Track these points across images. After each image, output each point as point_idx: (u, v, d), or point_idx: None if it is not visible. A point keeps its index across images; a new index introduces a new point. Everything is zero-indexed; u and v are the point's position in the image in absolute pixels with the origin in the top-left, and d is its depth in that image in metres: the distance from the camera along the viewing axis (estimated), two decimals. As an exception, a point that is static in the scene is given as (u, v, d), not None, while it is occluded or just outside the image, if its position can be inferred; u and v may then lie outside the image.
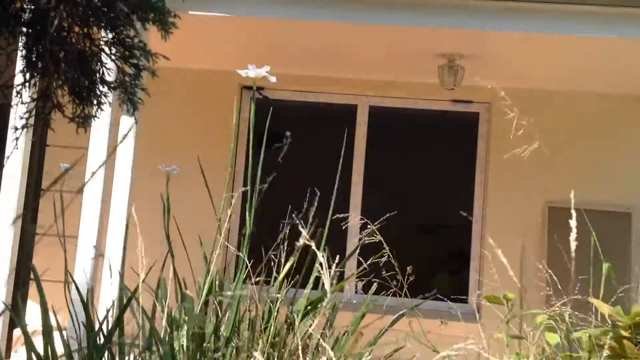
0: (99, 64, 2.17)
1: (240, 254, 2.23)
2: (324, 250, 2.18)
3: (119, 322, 2.07)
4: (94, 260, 3.32)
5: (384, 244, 2.39)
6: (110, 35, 2.16)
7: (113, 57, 2.19)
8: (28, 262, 3.88)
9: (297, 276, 2.32)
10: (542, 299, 2.42)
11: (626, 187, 5.26)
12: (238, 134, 5.36)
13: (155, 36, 2.28)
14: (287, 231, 2.33)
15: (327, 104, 5.67)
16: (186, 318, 2.11)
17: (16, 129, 2.17)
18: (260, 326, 2.18)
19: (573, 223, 1.51)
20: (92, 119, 2.21)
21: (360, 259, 2.42)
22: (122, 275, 2.50)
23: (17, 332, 3.74)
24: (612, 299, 2.15)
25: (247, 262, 2.23)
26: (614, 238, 4.94)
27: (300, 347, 2.09)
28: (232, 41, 4.56)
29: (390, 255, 2.36)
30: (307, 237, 2.14)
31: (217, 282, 2.22)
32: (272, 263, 2.30)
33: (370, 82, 5.48)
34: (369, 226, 2.42)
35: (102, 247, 3.45)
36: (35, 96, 2.17)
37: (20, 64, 2.13)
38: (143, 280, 2.22)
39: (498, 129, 5.35)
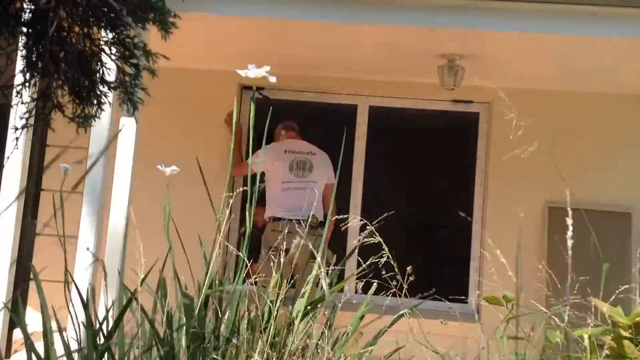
0: (99, 64, 2.16)
1: (240, 253, 2.23)
2: (324, 250, 2.18)
3: (119, 322, 2.07)
4: (94, 260, 3.32)
5: (383, 244, 2.39)
6: (110, 35, 2.16)
7: (113, 57, 2.19)
8: (28, 261, 3.88)
9: (297, 276, 2.32)
10: (541, 299, 2.42)
11: (626, 187, 5.26)
12: (238, 133, 5.36)
13: (155, 36, 2.28)
14: (286, 231, 2.33)
15: (327, 104, 5.67)
16: (185, 318, 2.11)
17: (16, 129, 2.17)
18: (260, 326, 2.18)
19: (569, 221, 1.51)
20: (93, 119, 2.21)
21: (360, 259, 2.42)
22: (121, 275, 2.50)
23: (16, 332, 3.74)
24: (612, 299, 2.15)
25: (247, 261, 2.23)
26: (614, 238, 4.94)
27: (300, 347, 2.09)
28: (232, 41, 4.56)
29: (390, 256, 2.37)
30: (307, 237, 2.15)
31: (216, 282, 2.22)
32: (272, 263, 2.30)
33: (370, 82, 5.48)
34: (368, 226, 2.42)
35: (102, 247, 3.46)
36: (35, 96, 2.17)
37: (20, 64, 2.13)
38: (143, 281, 2.22)
39: (498, 129, 5.35)
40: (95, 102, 2.19)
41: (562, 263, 2.01)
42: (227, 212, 2.33)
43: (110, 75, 2.25)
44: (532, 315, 2.10)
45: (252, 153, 2.43)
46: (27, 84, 2.10)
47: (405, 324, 2.34)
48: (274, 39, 4.46)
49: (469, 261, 5.51)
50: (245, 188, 2.34)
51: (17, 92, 2.11)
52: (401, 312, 2.31)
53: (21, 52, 2.13)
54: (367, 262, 2.38)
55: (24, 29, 2.07)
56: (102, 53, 2.15)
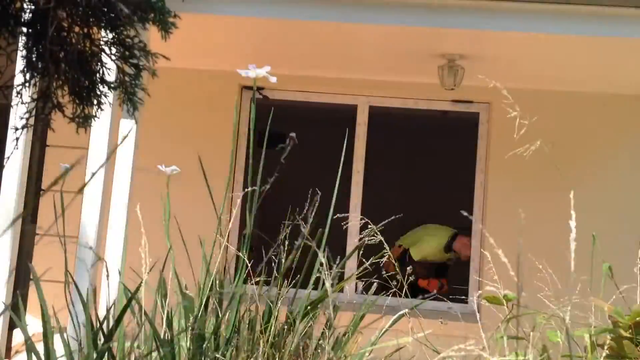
0: (99, 64, 2.17)
1: (240, 254, 2.23)
2: (324, 250, 2.18)
3: (119, 322, 2.07)
4: (94, 260, 3.32)
5: (384, 243, 2.39)
6: (110, 36, 2.16)
7: (113, 57, 2.19)
8: (28, 262, 3.88)
9: (298, 276, 2.32)
10: (543, 298, 2.42)
11: (626, 187, 5.27)
12: (238, 134, 5.36)
13: (155, 36, 2.28)
14: (287, 231, 2.33)
15: (327, 104, 5.67)
16: (185, 318, 2.11)
17: (16, 129, 2.17)
18: (261, 326, 2.18)
19: (572, 224, 1.51)
20: (92, 119, 2.21)
21: (363, 260, 2.42)
22: (122, 275, 2.50)
23: (16, 332, 3.73)
24: (613, 298, 2.15)
25: (247, 262, 2.23)
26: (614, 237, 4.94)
27: (300, 348, 2.09)
28: (232, 41, 4.56)
29: (391, 255, 2.36)
30: (307, 236, 2.14)
31: (217, 282, 2.22)
32: (273, 263, 2.30)
33: (370, 82, 5.48)
34: (369, 226, 2.42)
35: (102, 247, 3.46)
36: (35, 96, 2.17)
37: (20, 64, 2.13)
38: (143, 281, 2.22)
39: (498, 129, 5.35)
40: (95, 102, 2.19)
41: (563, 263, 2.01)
42: (228, 212, 2.32)
43: (110, 76, 2.25)
44: (534, 315, 2.10)
45: (252, 154, 2.42)
46: (27, 84, 2.10)
47: (405, 324, 2.34)
48: (274, 39, 4.45)
49: (469, 261, 5.52)
50: (247, 190, 2.34)
51: (17, 92, 2.11)
52: (401, 312, 2.31)
53: (21, 52, 2.13)
54: (369, 262, 2.37)
55: (24, 29, 2.07)
56: (102, 53, 2.15)
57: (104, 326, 2.11)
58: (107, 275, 2.37)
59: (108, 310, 2.18)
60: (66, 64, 2.05)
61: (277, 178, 2.28)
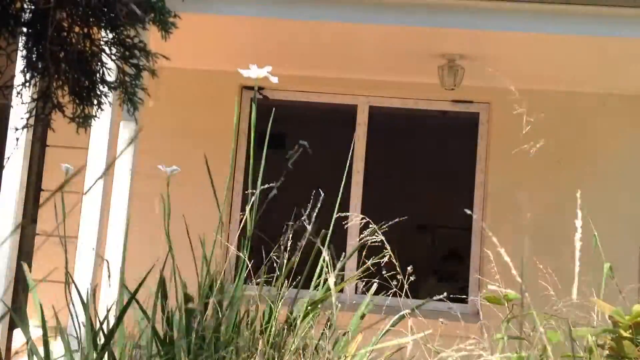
0: (99, 64, 2.16)
1: (241, 254, 2.23)
2: (328, 249, 2.18)
3: (119, 322, 2.07)
4: (94, 260, 3.32)
5: (385, 243, 2.39)
6: (110, 36, 2.16)
7: (113, 57, 2.19)
8: (28, 262, 3.88)
9: (299, 277, 2.32)
10: (543, 299, 2.42)
11: (626, 187, 5.26)
12: (238, 134, 5.36)
13: (155, 36, 2.28)
14: (288, 232, 2.32)
15: (326, 104, 5.67)
16: (185, 319, 2.11)
17: (16, 129, 2.17)
18: (261, 326, 2.18)
19: (578, 223, 1.51)
20: (93, 119, 2.21)
21: (365, 259, 2.42)
22: (122, 275, 2.50)
23: (16, 332, 3.73)
24: (619, 299, 2.15)
25: (248, 262, 2.23)
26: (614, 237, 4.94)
27: (300, 348, 2.09)
28: (232, 41, 4.55)
29: (392, 255, 2.36)
30: (309, 237, 2.14)
31: (217, 283, 2.21)
32: (275, 264, 2.30)
33: (370, 82, 5.48)
34: (370, 226, 2.42)
35: (102, 248, 3.45)
36: (35, 96, 2.17)
37: (20, 64, 2.13)
38: (144, 281, 2.22)
39: (498, 129, 5.35)
40: (95, 102, 2.19)
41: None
42: (229, 213, 2.32)
43: (111, 76, 2.25)
44: (535, 315, 2.10)
45: (253, 154, 2.42)
46: (27, 84, 2.10)
47: (405, 324, 2.34)
48: (274, 39, 4.45)
49: (469, 261, 5.51)
50: (248, 192, 2.34)
51: (18, 93, 2.11)
52: (401, 313, 2.31)
53: (21, 52, 2.13)
54: (369, 262, 2.37)
55: (24, 29, 2.07)
56: (102, 53, 2.15)
57: (104, 326, 2.11)
58: (109, 276, 2.37)
59: (108, 311, 2.18)
60: (66, 64, 2.05)
61: (277, 178, 2.28)
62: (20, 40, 2.12)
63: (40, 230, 4.43)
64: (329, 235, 2.30)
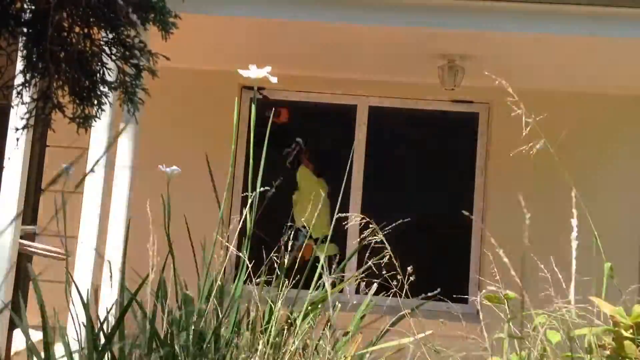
0: (99, 64, 2.16)
1: (241, 254, 2.23)
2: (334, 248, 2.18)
3: (119, 322, 2.07)
4: (95, 260, 3.32)
5: (385, 243, 2.39)
6: (110, 36, 2.16)
7: (113, 57, 2.18)
8: (28, 262, 3.88)
9: (299, 277, 2.32)
10: (543, 298, 2.42)
11: (626, 187, 5.27)
12: (238, 133, 5.36)
13: (155, 36, 2.27)
14: (287, 232, 2.33)
15: (326, 104, 5.67)
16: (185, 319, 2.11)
17: (17, 129, 2.16)
18: (261, 326, 2.18)
19: (574, 222, 1.51)
20: (93, 119, 2.21)
21: (368, 260, 2.42)
22: (122, 275, 2.50)
23: (16, 332, 3.73)
24: (622, 299, 2.15)
25: (248, 262, 2.23)
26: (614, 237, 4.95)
27: (300, 348, 2.09)
28: (232, 41, 4.55)
29: (392, 255, 2.36)
30: (308, 237, 2.14)
31: (217, 283, 2.22)
32: (276, 264, 2.30)
33: (370, 82, 5.48)
34: (370, 226, 2.42)
35: (102, 248, 3.45)
36: (35, 96, 2.16)
37: (20, 64, 2.12)
38: (144, 281, 2.22)
39: (498, 129, 5.35)
40: (95, 102, 2.19)
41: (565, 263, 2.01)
42: (228, 213, 2.32)
43: (111, 76, 2.25)
44: (534, 315, 2.10)
45: (253, 154, 2.43)
46: (27, 84, 2.10)
47: (405, 324, 2.34)
48: (273, 39, 4.45)
49: (469, 261, 5.51)
50: (246, 193, 2.34)
51: (18, 93, 2.11)
52: (401, 313, 2.31)
53: (21, 53, 2.12)
54: (370, 263, 2.37)
55: (24, 29, 2.07)
56: (103, 53, 2.15)
57: (104, 326, 2.11)
58: (111, 276, 2.37)
59: (108, 311, 2.18)
60: (66, 64, 2.05)
61: (277, 178, 2.28)
62: (20, 41, 2.12)
63: (40, 230, 4.43)
64: (329, 236, 2.30)
